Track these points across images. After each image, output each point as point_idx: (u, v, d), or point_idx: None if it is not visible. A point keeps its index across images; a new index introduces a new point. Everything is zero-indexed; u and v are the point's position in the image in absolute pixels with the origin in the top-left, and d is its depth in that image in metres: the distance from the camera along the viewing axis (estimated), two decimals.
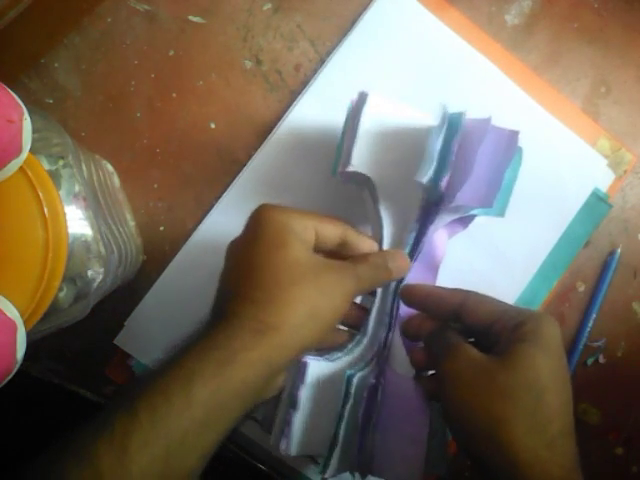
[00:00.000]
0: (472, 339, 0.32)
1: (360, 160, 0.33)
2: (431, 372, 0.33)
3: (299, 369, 0.32)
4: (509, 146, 0.32)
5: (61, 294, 0.28)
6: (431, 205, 0.33)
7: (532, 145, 0.42)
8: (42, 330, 0.29)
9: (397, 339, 0.34)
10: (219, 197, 0.40)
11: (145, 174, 0.41)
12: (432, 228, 0.33)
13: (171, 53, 0.42)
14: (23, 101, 0.27)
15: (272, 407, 0.34)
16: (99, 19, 0.41)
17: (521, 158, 0.35)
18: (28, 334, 0.26)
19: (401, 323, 0.34)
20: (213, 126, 0.41)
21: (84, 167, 0.32)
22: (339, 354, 0.33)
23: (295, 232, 0.29)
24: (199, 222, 0.40)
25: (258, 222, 0.30)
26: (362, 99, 0.34)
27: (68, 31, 0.41)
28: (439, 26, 0.42)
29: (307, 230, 0.30)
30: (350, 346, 0.34)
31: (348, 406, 0.32)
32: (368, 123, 0.33)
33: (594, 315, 0.42)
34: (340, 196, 0.40)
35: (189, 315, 0.39)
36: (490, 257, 0.41)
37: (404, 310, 0.34)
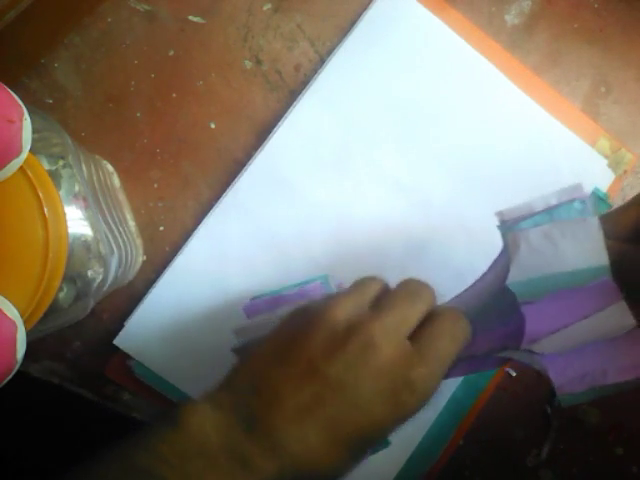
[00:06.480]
0: None
1: None
2: None
3: None
4: None
5: (61, 294, 0.28)
6: None
7: (531, 145, 0.42)
8: (42, 330, 0.29)
9: None
10: (219, 197, 0.40)
11: (145, 174, 0.41)
12: None
13: (171, 53, 0.42)
14: (23, 101, 0.27)
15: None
16: (99, 19, 0.41)
17: None
18: (28, 334, 0.26)
19: None
20: (213, 126, 0.41)
21: (84, 167, 0.32)
22: None
23: None
24: (199, 222, 0.40)
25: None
26: None
27: (68, 31, 0.41)
28: (439, 26, 0.42)
29: None
30: None
31: None
32: None
33: None
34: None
35: (189, 316, 0.39)
36: (490, 257, 0.41)
37: None
